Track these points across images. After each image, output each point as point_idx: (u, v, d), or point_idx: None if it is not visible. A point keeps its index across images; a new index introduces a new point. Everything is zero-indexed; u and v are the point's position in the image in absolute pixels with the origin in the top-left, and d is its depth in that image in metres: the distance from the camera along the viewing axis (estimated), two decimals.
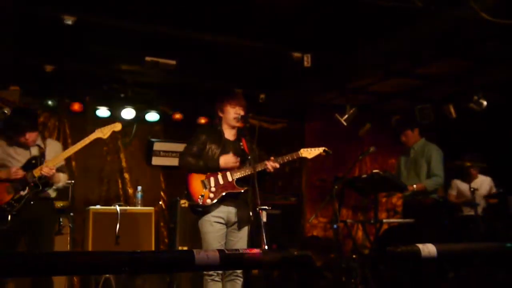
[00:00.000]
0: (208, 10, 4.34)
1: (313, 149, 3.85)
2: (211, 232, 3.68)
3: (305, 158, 3.86)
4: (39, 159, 3.99)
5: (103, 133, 4.04)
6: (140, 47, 5.13)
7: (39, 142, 4.08)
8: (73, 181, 5.49)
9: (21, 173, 3.90)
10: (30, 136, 4.01)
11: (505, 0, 3.62)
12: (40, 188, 3.94)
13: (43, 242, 4.01)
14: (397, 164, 5.67)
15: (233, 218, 3.75)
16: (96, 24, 4.42)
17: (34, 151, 4.05)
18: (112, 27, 4.50)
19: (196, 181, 3.75)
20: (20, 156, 4.02)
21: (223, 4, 4.21)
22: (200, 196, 3.69)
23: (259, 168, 3.67)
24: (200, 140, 3.83)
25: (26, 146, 4.04)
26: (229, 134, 3.90)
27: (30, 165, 3.96)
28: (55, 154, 4.08)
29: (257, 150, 3.95)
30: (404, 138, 5.47)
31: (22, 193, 3.90)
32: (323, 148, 3.85)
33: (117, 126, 4.10)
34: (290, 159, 3.80)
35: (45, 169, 3.89)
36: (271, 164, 3.70)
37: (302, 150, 3.83)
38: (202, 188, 3.72)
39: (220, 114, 3.90)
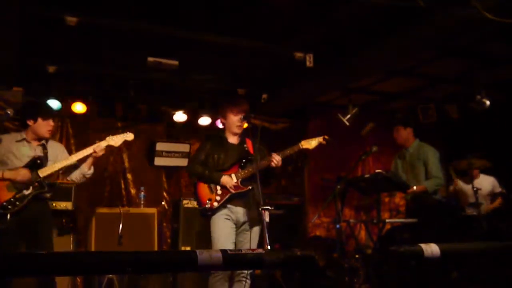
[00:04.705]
0: (209, 10, 4.34)
1: (313, 139, 3.89)
2: (222, 229, 3.72)
3: (306, 150, 3.90)
4: (44, 159, 3.93)
5: (115, 141, 4.04)
6: (143, 48, 5.13)
7: (43, 141, 4.03)
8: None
9: (28, 176, 3.83)
10: (53, 126, 4.03)
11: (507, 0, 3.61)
12: (46, 188, 3.89)
13: (43, 242, 3.94)
14: (393, 167, 5.56)
15: (242, 218, 3.79)
16: (99, 24, 4.42)
17: (38, 150, 3.98)
18: (114, 27, 4.51)
19: (203, 186, 3.86)
20: (22, 154, 3.92)
21: (224, 4, 4.21)
22: (207, 200, 3.77)
23: (263, 165, 3.70)
24: (206, 148, 3.95)
25: (31, 144, 3.97)
26: (233, 139, 3.97)
27: (34, 164, 3.89)
28: (59, 154, 4.07)
29: (265, 150, 3.96)
30: (395, 134, 5.37)
31: (25, 192, 3.82)
32: (323, 136, 3.90)
33: (129, 136, 4.10)
34: (292, 152, 3.85)
35: (96, 149, 3.90)
36: (274, 158, 3.73)
37: (302, 142, 3.87)
38: (209, 192, 3.82)
39: (223, 121, 3.97)
